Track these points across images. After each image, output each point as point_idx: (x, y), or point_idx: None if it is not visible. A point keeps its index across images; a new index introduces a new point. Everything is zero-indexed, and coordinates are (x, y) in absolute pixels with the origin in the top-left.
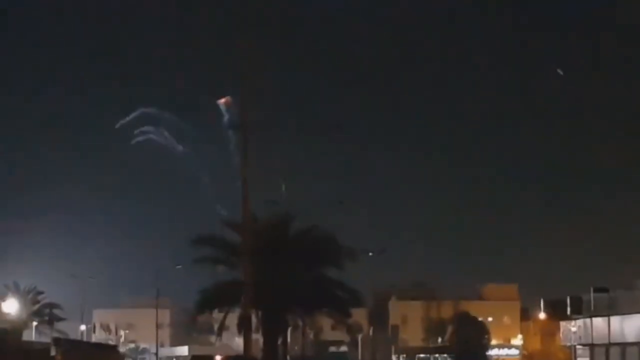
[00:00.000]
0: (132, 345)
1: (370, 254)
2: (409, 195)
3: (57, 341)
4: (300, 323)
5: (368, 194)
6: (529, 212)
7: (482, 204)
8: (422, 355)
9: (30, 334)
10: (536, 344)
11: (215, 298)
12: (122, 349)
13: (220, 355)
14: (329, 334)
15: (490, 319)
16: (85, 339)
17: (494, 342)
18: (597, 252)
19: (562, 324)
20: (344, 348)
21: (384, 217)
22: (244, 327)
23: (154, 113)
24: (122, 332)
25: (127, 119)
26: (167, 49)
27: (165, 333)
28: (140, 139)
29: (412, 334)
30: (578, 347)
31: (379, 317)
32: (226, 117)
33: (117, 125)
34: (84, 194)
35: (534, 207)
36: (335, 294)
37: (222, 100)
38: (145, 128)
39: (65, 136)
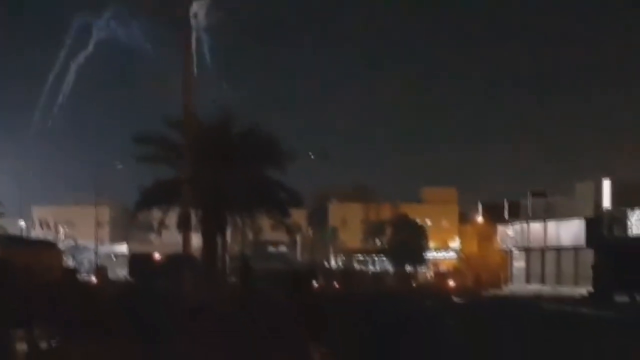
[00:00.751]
0: (72, 242)
1: (311, 156)
2: (350, 97)
3: None
4: (239, 223)
5: (310, 96)
6: (469, 115)
7: (422, 107)
8: (360, 257)
9: None
10: (473, 247)
11: (155, 196)
12: (61, 246)
13: (159, 253)
14: (268, 235)
15: (428, 222)
16: (24, 235)
17: (431, 244)
18: (537, 157)
19: (500, 227)
20: (282, 248)
21: (325, 119)
22: (183, 225)
23: (123, 12)
24: (61, 229)
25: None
26: None
27: (105, 231)
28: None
29: (351, 236)
30: (514, 250)
31: (318, 219)
32: (196, 20)
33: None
34: (26, 89)
35: (475, 111)
36: (275, 194)
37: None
38: (111, 24)
39: (21, 26)
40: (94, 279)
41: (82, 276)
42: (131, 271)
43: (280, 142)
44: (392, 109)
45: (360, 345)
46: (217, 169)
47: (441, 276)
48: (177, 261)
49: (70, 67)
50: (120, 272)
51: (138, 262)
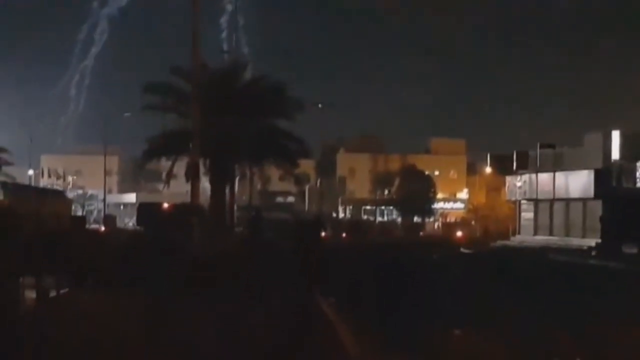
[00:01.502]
0: (80, 191)
1: (320, 105)
2: (360, 47)
3: (4, 185)
4: (248, 173)
5: (320, 46)
6: (479, 67)
7: (432, 57)
8: (368, 207)
9: None
10: (481, 198)
11: (164, 146)
12: (70, 195)
13: (168, 202)
14: (276, 185)
15: (436, 172)
16: (33, 184)
17: (439, 195)
18: (546, 108)
19: (508, 178)
20: (291, 199)
21: (334, 70)
22: (191, 175)
23: None
24: (70, 178)
25: None
26: None
27: (114, 180)
28: None
29: (359, 186)
30: (523, 201)
31: (326, 169)
32: None
33: None
34: (40, 36)
35: (485, 62)
36: (283, 144)
37: None
38: None
39: None
40: (102, 227)
41: (91, 225)
42: (139, 220)
43: (288, 91)
44: (401, 59)
45: (365, 295)
46: (226, 118)
47: (449, 227)
48: (185, 210)
49: (100, 19)
50: (129, 222)
51: (146, 211)
